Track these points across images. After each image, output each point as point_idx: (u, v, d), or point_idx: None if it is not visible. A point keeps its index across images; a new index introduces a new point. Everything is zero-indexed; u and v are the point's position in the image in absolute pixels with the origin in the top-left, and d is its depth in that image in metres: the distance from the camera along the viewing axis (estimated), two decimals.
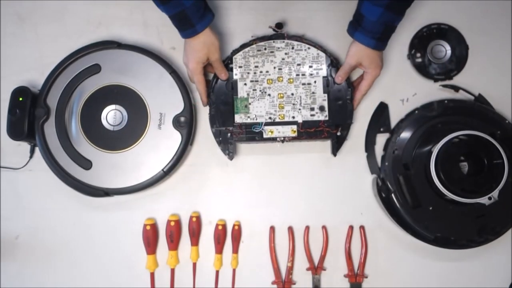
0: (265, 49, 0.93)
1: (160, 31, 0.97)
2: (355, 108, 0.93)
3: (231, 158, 0.91)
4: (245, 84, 0.92)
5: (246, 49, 0.92)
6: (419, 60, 0.97)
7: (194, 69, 0.87)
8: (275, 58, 0.92)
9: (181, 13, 0.80)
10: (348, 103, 0.91)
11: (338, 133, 0.92)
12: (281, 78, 0.92)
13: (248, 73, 0.92)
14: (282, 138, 0.91)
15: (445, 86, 0.96)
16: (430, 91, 0.97)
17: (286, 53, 0.93)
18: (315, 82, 0.92)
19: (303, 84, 0.92)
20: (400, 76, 0.98)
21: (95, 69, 0.90)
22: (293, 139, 0.91)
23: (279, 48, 0.93)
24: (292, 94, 0.92)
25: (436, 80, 0.97)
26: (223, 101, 0.91)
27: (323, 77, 0.92)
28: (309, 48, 0.93)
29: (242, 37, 0.95)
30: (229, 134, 0.91)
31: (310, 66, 0.92)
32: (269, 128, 0.91)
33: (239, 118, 0.91)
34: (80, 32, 0.97)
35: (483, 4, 1.00)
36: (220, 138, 0.91)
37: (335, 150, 0.92)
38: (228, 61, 0.92)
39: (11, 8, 0.98)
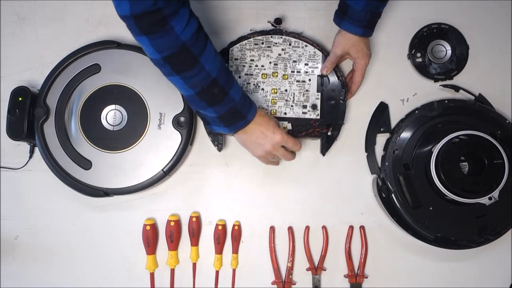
0: (263, 43, 0.92)
1: None
2: (350, 97, 0.93)
3: (219, 149, 0.91)
4: (240, 77, 0.92)
5: (244, 42, 0.92)
6: (420, 60, 0.96)
7: (283, 134, 0.80)
8: (272, 53, 0.92)
9: (232, 109, 0.76)
10: (341, 103, 0.91)
11: (329, 133, 0.92)
12: (276, 74, 0.92)
13: (244, 66, 0.92)
14: None
15: (445, 86, 0.96)
16: (430, 91, 0.97)
17: (283, 49, 0.92)
18: (309, 80, 0.92)
19: (298, 81, 0.92)
20: (400, 76, 0.98)
21: (95, 69, 0.90)
22: None
23: (276, 43, 0.92)
24: (286, 90, 0.92)
25: (436, 80, 0.97)
26: None
27: (318, 75, 0.92)
28: (306, 45, 0.92)
29: (240, 31, 0.95)
30: None
31: (306, 64, 0.92)
32: None
33: None
34: (80, 32, 0.97)
35: (483, 4, 0.99)
36: None
37: (324, 149, 0.92)
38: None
39: (11, 8, 0.98)
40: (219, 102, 0.75)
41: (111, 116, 0.89)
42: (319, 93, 0.92)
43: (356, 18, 0.84)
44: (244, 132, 0.80)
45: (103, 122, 0.89)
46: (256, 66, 0.92)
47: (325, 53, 0.92)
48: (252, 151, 0.83)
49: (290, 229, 0.92)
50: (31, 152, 0.93)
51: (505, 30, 0.99)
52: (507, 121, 0.92)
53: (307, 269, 0.92)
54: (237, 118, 0.78)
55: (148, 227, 0.90)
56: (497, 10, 1.00)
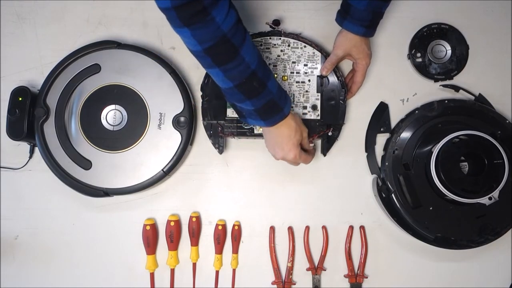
0: (261, 45, 0.92)
1: (160, 31, 0.97)
2: (350, 97, 0.94)
3: (220, 152, 0.91)
4: None
5: None
6: (420, 60, 0.96)
7: (297, 154, 0.82)
8: (271, 55, 0.92)
9: (270, 101, 0.75)
10: (341, 103, 0.91)
11: (330, 133, 0.92)
12: (275, 75, 0.92)
13: None
14: None
15: (445, 86, 0.96)
16: (430, 91, 0.97)
17: (282, 50, 0.92)
18: (309, 80, 0.92)
19: (297, 82, 0.92)
20: (400, 76, 0.98)
21: (95, 69, 0.90)
22: None
23: (275, 44, 0.92)
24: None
25: (436, 80, 0.97)
26: (217, 95, 0.90)
27: (318, 76, 0.92)
28: (305, 46, 0.92)
29: None
30: (219, 128, 0.90)
31: (305, 65, 0.92)
32: None
33: (231, 113, 0.90)
34: (80, 32, 0.97)
35: (483, 4, 0.99)
36: (211, 132, 0.91)
37: (325, 150, 0.92)
38: None
39: (11, 8, 0.98)
40: (257, 95, 0.74)
41: (111, 116, 0.89)
42: (319, 94, 0.92)
43: (358, 17, 0.84)
44: (268, 131, 0.80)
45: (103, 122, 0.89)
46: None
47: (324, 54, 0.92)
48: (266, 146, 0.84)
49: (290, 229, 0.92)
50: (31, 152, 0.93)
51: (505, 30, 0.99)
52: (507, 121, 0.92)
53: (307, 269, 0.92)
54: (274, 111, 0.77)
55: (148, 227, 0.90)
56: (497, 10, 1.00)
